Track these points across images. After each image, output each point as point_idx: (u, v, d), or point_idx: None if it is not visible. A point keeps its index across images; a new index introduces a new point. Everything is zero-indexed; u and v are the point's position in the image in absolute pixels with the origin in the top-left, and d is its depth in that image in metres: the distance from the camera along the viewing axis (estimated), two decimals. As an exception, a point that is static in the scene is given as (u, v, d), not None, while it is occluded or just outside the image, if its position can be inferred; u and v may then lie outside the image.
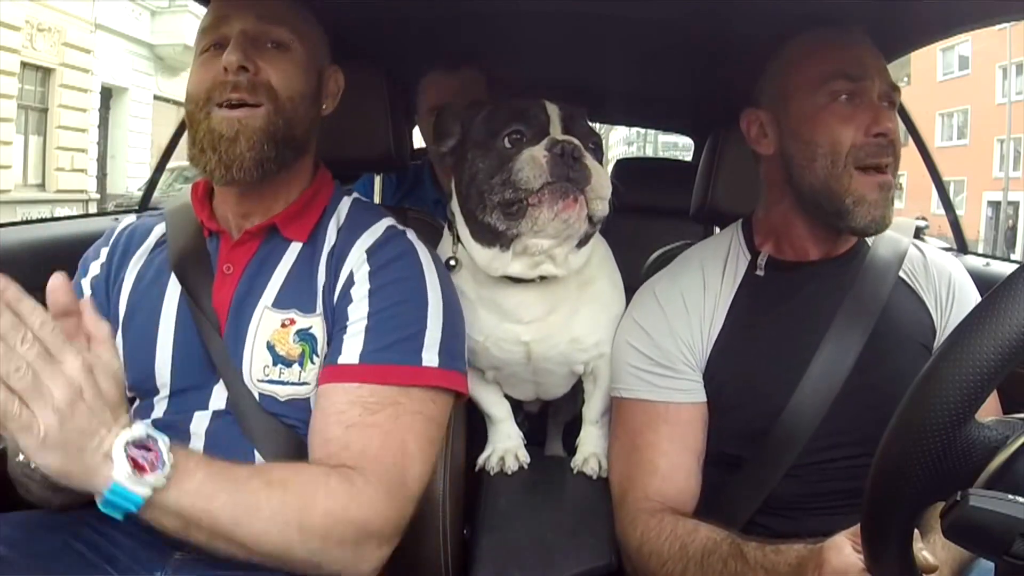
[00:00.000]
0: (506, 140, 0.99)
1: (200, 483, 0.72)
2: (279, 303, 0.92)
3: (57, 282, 0.70)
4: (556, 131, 0.99)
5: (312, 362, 0.90)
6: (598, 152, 1.02)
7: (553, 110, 1.01)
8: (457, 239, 1.08)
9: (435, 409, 0.91)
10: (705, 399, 1.04)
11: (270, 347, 0.90)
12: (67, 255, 1.07)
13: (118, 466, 0.67)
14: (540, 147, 0.96)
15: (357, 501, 0.80)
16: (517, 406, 1.25)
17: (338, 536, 0.79)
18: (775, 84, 1.05)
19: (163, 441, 0.71)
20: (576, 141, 0.96)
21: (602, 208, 0.97)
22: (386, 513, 0.83)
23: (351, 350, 0.88)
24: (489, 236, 1.01)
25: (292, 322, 0.91)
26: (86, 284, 1.01)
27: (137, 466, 0.68)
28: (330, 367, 0.89)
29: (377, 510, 0.82)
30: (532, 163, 0.95)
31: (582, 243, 1.03)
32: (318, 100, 0.98)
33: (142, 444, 0.69)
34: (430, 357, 0.90)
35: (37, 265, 1.39)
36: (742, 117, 1.08)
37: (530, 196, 0.95)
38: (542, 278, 1.04)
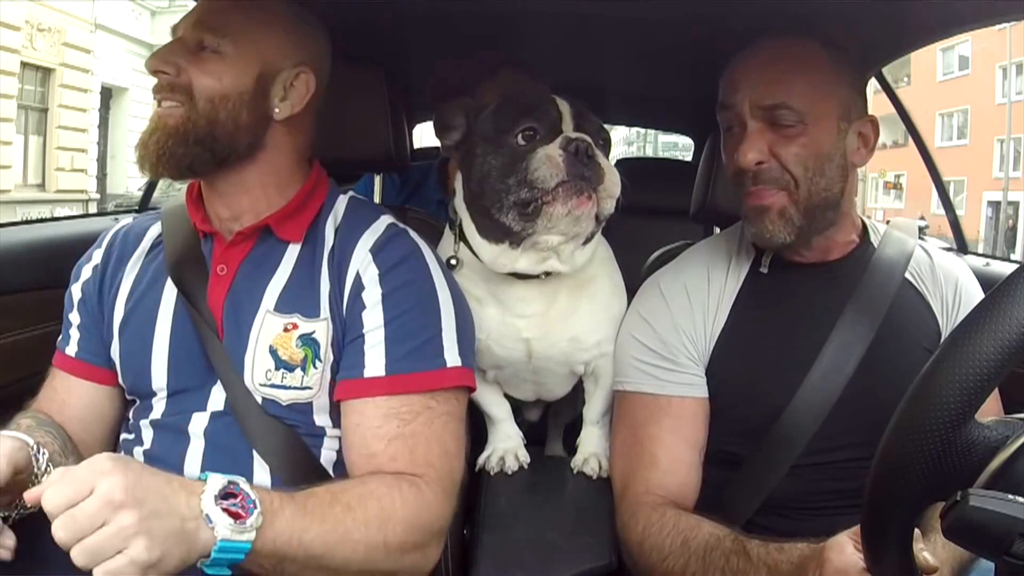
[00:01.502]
0: (519, 137, 0.99)
1: (290, 519, 0.74)
2: (281, 307, 0.92)
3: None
4: (568, 128, 0.99)
5: (314, 367, 0.90)
6: (607, 148, 1.02)
7: (564, 106, 1.01)
8: (459, 237, 1.08)
9: (458, 406, 0.94)
10: (707, 394, 1.04)
11: (272, 351, 0.90)
12: (67, 255, 1.07)
13: (219, 523, 0.68)
14: (555, 145, 0.96)
15: (426, 506, 0.85)
16: (516, 412, 1.25)
17: (413, 542, 0.83)
18: None
19: (242, 481, 0.71)
20: (588, 139, 0.96)
21: (611, 206, 0.98)
22: (445, 511, 0.88)
23: (375, 362, 0.89)
24: (499, 234, 1.01)
25: (295, 326, 0.91)
26: (76, 289, 1.01)
27: (232, 515, 0.69)
28: (355, 380, 0.89)
29: (439, 511, 0.86)
30: (548, 162, 0.95)
31: (587, 240, 1.04)
32: (257, 102, 0.93)
33: (226, 492, 0.70)
34: (452, 358, 0.91)
35: (37, 265, 1.40)
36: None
37: (545, 195, 0.95)
38: (546, 274, 1.04)
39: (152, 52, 0.93)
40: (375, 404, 0.88)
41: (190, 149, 0.90)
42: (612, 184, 0.97)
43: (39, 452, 0.81)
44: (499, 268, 1.03)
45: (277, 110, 0.94)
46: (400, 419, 0.88)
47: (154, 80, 0.93)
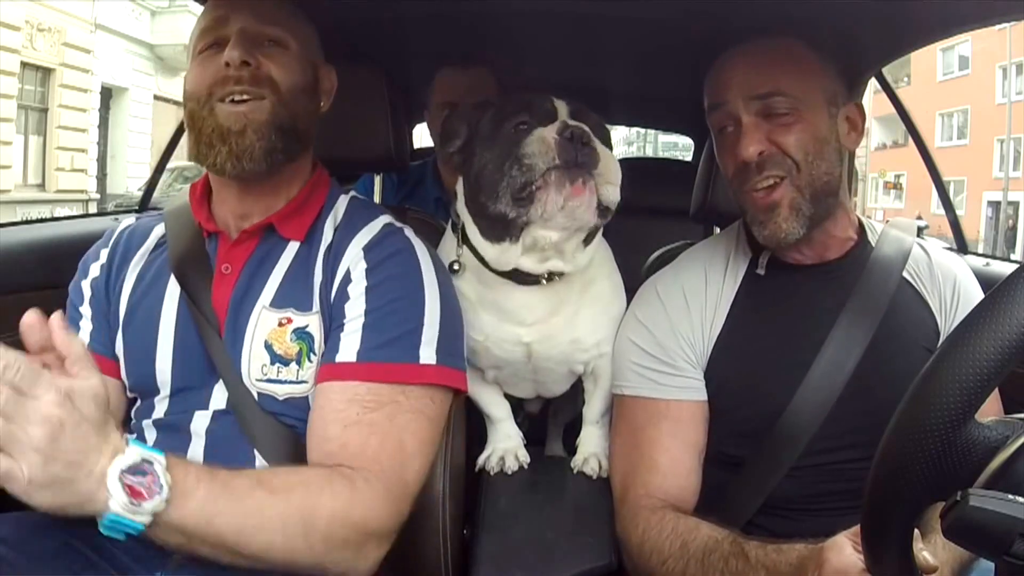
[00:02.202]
0: (514, 129, 0.99)
1: (202, 501, 0.72)
2: (276, 302, 0.92)
3: (29, 320, 0.71)
4: (564, 118, 0.99)
5: (309, 360, 0.91)
6: (606, 143, 1.02)
7: (560, 103, 1.02)
8: (462, 241, 1.08)
9: (434, 408, 0.91)
10: (706, 397, 1.04)
11: (268, 346, 0.91)
12: (67, 255, 1.07)
13: (114, 497, 0.67)
14: (551, 128, 0.96)
15: (359, 502, 0.81)
16: (518, 406, 1.26)
17: (341, 538, 0.80)
18: None
19: (159, 462, 0.69)
20: (585, 127, 0.96)
21: (613, 194, 0.97)
22: (386, 512, 0.84)
23: (348, 348, 0.89)
24: (499, 229, 1.00)
25: (289, 321, 0.91)
26: (86, 286, 1.02)
27: (134, 493, 0.67)
28: (328, 365, 0.89)
29: (377, 511, 0.83)
30: (541, 142, 0.95)
31: (589, 239, 1.03)
32: (316, 95, 1.00)
33: (137, 469, 0.68)
34: (428, 354, 0.90)
35: (37, 265, 1.41)
36: None
37: (537, 179, 0.94)
38: (548, 279, 1.04)
39: (229, 45, 0.92)
40: (342, 388, 0.88)
41: (287, 142, 0.93)
42: (609, 170, 0.96)
43: None
44: (502, 266, 1.03)
45: (322, 102, 0.99)
46: (363, 406, 0.86)
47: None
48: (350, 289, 0.91)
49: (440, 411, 0.93)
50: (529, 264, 1.02)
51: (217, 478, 0.74)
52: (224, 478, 0.75)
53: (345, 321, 0.90)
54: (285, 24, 0.95)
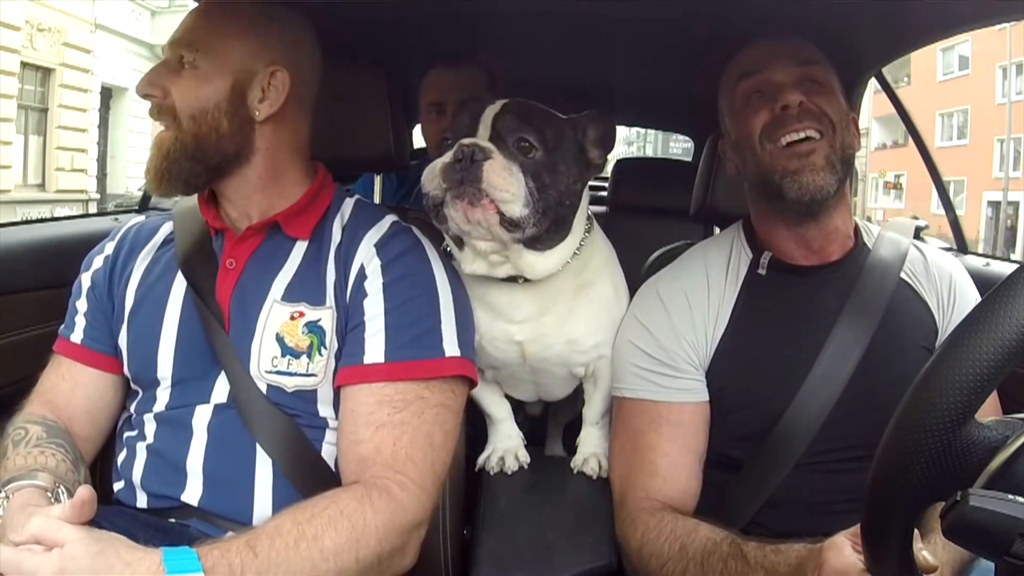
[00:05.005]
0: (444, 146, 1.01)
1: None
2: (288, 296, 0.94)
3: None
4: (484, 132, 0.98)
5: (320, 354, 0.92)
6: (531, 150, 0.98)
7: (490, 111, 0.99)
8: None
9: (455, 400, 0.95)
10: (707, 398, 1.04)
11: (279, 339, 0.92)
12: (67, 255, 1.07)
13: None
14: (449, 153, 0.97)
15: (399, 509, 0.85)
16: (518, 407, 1.25)
17: (391, 546, 0.84)
18: (722, 108, 1.10)
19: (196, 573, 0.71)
20: (481, 143, 0.95)
21: (510, 209, 0.94)
22: (424, 506, 0.89)
23: (375, 349, 0.91)
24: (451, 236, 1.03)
25: (301, 314, 0.93)
26: (86, 278, 1.03)
27: None
28: (355, 367, 0.91)
29: (415, 509, 0.87)
30: (430, 173, 0.97)
31: (540, 245, 1.01)
32: (236, 108, 0.94)
33: None
34: (451, 348, 0.93)
35: (37, 265, 1.41)
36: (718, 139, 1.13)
37: (439, 201, 0.97)
38: (525, 280, 1.04)
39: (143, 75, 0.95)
40: (370, 390, 0.90)
41: (183, 166, 0.93)
42: (495, 187, 0.93)
43: (59, 490, 0.83)
44: (466, 270, 1.04)
45: (257, 112, 0.96)
46: (392, 406, 0.89)
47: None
48: (367, 285, 0.93)
49: (460, 402, 0.96)
50: (483, 269, 1.03)
51: (259, 552, 0.75)
52: (265, 548, 0.76)
53: (365, 319, 0.92)
54: (197, 44, 0.93)
